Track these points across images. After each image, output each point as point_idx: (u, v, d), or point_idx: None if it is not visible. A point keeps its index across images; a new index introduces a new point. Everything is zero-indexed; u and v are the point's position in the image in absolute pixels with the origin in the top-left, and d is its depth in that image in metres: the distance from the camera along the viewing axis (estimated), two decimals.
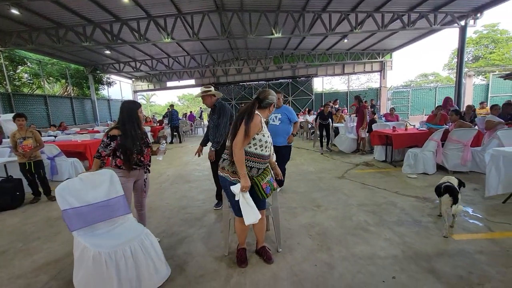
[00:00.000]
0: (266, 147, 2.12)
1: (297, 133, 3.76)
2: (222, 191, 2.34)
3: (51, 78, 15.91)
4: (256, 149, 2.08)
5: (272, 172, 2.32)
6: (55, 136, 8.09)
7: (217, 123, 3.32)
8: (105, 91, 18.88)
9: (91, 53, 13.46)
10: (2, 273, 2.41)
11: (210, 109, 3.48)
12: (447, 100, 6.95)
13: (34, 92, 14.72)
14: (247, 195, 2.02)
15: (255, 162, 2.08)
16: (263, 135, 2.10)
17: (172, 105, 11.89)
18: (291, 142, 3.94)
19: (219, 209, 3.57)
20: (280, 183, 3.72)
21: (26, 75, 15.02)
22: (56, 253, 2.72)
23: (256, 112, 2.08)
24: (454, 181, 2.93)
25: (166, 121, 12.79)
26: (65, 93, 16.52)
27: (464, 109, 7.24)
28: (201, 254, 2.55)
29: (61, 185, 2.12)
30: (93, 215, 2.13)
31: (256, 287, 2.05)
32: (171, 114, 11.21)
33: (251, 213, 2.01)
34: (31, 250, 2.81)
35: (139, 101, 24.26)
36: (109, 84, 18.28)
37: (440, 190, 2.80)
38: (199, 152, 3.59)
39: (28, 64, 14.49)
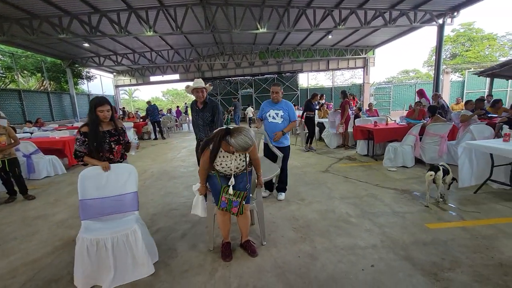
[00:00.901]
0: (225, 171, 2.21)
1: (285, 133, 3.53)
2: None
3: (25, 71, 15.10)
4: (220, 169, 2.21)
5: (241, 195, 2.21)
6: (31, 133, 7.74)
7: (210, 121, 3.26)
8: (84, 86, 18.16)
9: (68, 46, 12.87)
10: None
11: (195, 105, 3.34)
12: (421, 92, 7.29)
13: (7, 87, 13.95)
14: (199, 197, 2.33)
15: (221, 175, 2.28)
16: (220, 164, 2.17)
17: (149, 101, 11.86)
18: (277, 140, 3.54)
19: None
20: (283, 187, 3.74)
21: None
22: (34, 254, 2.63)
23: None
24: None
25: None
26: (42, 88, 15.74)
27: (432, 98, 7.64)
28: (185, 250, 2.55)
29: (84, 173, 2.32)
30: (106, 207, 2.32)
31: (240, 280, 2.08)
32: (150, 110, 11.10)
33: (197, 208, 2.31)
34: (7, 251, 2.71)
35: (120, 96, 23.59)
36: (89, 78, 17.55)
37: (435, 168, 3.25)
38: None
39: (0, 56, 13.69)
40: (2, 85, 14.06)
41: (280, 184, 3.75)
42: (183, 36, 12.87)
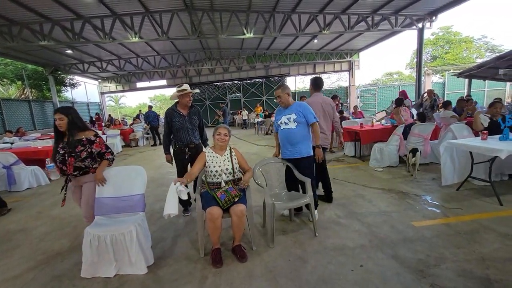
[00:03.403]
0: (214, 176, 2.56)
1: (320, 145, 2.98)
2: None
3: (4, 79, 14.62)
4: (207, 178, 2.61)
5: (233, 184, 2.57)
6: (12, 143, 7.47)
7: (199, 124, 3.46)
8: (68, 93, 17.70)
9: (50, 53, 12.56)
10: None
11: (176, 110, 3.33)
12: (403, 93, 7.54)
13: None
14: (175, 188, 2.25)
15: (210, 186, 2.57)
16: (210, 167, 2.59)
17: (150, 106, 11.80)
18: (321, 159, 3.02)
19: (187, 215, 3.52)
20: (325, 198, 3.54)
21: None
22: (15, 269, 2.52)
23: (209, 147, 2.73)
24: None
25: (141, 120, 12.62)
26: (22, 96, 15.26)
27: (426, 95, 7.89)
28: (175, 258, 2.51)
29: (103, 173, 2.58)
30: (116, 207, 2.54)
31: (231, 287, 2.07)
32: (150, 115, 10.91)
33: (169, 205, 2.24)
34: None
35: (106, 103, 23.11)
36: (73, 85, 17.12)
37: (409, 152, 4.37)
38: (171, 160, 3.51)
39: None
40: None
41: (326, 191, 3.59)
42: (170, 41, 12.81)
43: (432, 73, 19.00)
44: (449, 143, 3.67)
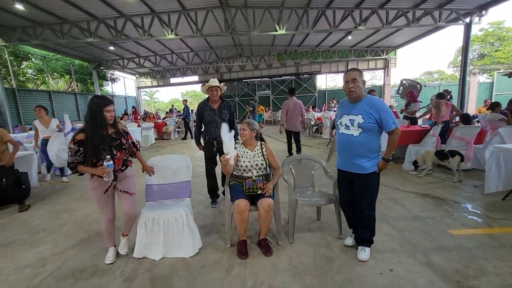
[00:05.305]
0: (244, 170, 2.55)
1: (393, 157, 2.41)
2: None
3: (55, 73, 16.02)
4: (238, 172, 2.60)
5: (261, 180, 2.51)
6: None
7: (229, 118, 3.49)
8: (108, 87, 19.00)
9: (95, 49, 13.54)
10: (9, 263, 2.48)
11: (207, 104, 3.46)
12: (412, 94, 6.97)
13: (39, 88, 14.85)
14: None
15: (240, 180, 2.56)
16: (240, 161, 2.58)
17: (185, 100, 11.98)
18: (382, 170, 2.20)
19: (215, 207, 3.61)
20: (368, 238, 2.30)
21: (30, 70, 15.15)
22: (61, 245, 2.79)
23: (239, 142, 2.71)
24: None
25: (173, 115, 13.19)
26: (69, 89, 16.64)
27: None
28: (203, 247, 2.60)
29: (151, 161, 2.74)
30: (165, 193, 2.72)
31: (256, 278, 2.10)
32: (185, 109, 11.24)
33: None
34: (37, 242, 2.88)
35: (142, 97, 24.39)
36: (113, 80, 18.37)
37: (447, 153, 4.20)
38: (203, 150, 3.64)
39: (33, 59, 14.61)
40: (34, 86, 14.98)
41: (363, 230, 2.30)
42: (203, 38, 13.15)
43: (479, 73, 17.44)
44: (496, 148, 3.38)
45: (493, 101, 9.67)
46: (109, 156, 2.11)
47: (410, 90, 7.09)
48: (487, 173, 3.45)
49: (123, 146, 2.30)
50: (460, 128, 4.71)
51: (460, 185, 4.04)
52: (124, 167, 2.36)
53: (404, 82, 8.02)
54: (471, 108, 13.33)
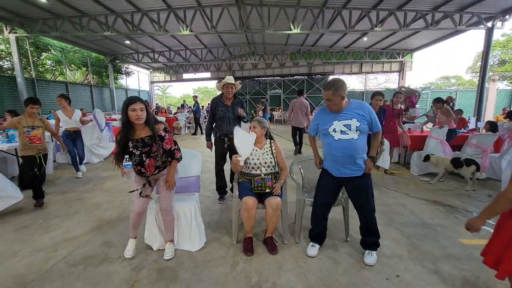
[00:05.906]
0: (253, 168, 2.57)
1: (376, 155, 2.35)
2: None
3: (72, 65, 16.43)
4: (247, 169, 2.61)
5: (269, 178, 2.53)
6: None
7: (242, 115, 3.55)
8: (123, 81, 19.35)
9: (111, 43, 13.80)
10: (24, 246, 2.59)
11: (221, 100, 3.53)
12: (411, 100, 6.87)
13: (56, 79, 15.27)
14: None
15: (248, 177, 2.59)
16: (249, 159, 2.58)
17: (195, 96, 12.24)
18: (369, 171, 2.24)
19: (223, 203, 3.65)
20: (374, 241, 2.34)
21: (49, 61, 15.57)
22: (74, 231, 2.88)
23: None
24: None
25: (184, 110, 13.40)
26: (86, 81, 17.04)
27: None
28: (209, 241, 2.64)
29: None
30: (177, 186, 2.58)
31: (261, 275, 2.12)
32: (196, 105, 11.46)
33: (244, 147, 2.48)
34: (51, 227, 2.99)
35: (155, 92, 24.74)
36: (128, 74, 18.69)
37: (462, 162, 4.06)
38: (211, 147, 3.70)
39: (52, 51, 15.01)
40: (52, 77, 15.41)
41: (367, 235, 2.36)
42: (217, 35, 13.21)
43: (498, 79, 16.86)
44: None
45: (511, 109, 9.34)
46: (127, 156, 2.08)
47: (408, 96, 6.97)
48: (503, 183, 3.34)
49: (151, 155, 2.15)
50: (476, 136, 4.58)
51: (473, 194, 3.94)
52: (156, 171, 2.28)
53: (403, 89, 7.95)
54: (488, 116, 12.88)
